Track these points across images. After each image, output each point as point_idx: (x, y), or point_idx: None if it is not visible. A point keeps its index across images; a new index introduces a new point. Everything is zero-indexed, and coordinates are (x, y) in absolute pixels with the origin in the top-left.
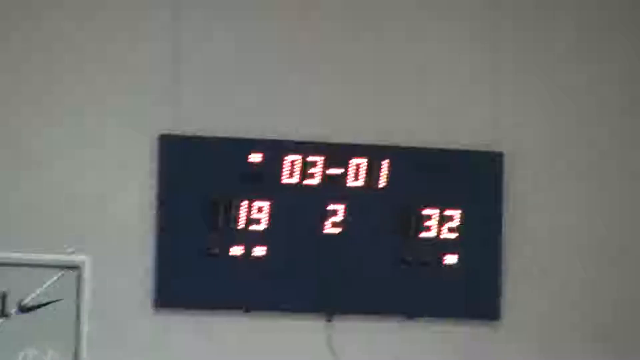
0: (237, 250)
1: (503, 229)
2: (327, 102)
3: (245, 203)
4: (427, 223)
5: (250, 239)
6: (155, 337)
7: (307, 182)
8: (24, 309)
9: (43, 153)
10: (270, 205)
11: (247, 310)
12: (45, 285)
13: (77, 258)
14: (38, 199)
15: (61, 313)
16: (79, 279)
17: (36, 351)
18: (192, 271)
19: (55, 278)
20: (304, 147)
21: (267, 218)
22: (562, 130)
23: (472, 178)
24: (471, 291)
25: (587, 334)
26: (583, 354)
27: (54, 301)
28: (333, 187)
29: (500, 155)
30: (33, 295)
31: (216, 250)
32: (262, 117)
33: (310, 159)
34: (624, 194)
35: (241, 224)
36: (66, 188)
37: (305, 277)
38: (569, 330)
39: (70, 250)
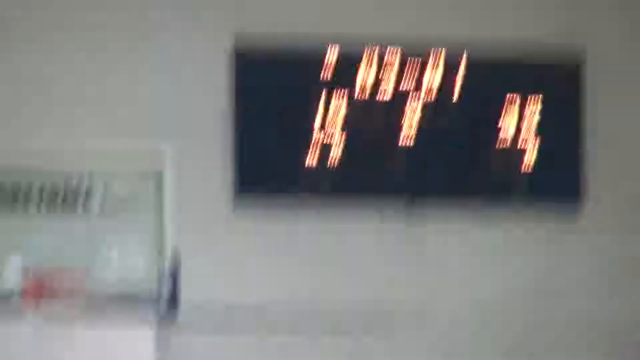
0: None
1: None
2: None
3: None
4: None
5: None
6: (235, 236)
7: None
8: (108, 203)
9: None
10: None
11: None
12: (128, 179)
13: (159, 147)
14: (125, 94)
15: (145, 208)
16: (160, 175)
17: (120, 241)
18: (271, 164)
19: (138, 174)
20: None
21: (342, 127)
22: None
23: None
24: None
25: None
26: None
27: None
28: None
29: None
30: (117, 188)
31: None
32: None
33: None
34: None
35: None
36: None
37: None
38: None
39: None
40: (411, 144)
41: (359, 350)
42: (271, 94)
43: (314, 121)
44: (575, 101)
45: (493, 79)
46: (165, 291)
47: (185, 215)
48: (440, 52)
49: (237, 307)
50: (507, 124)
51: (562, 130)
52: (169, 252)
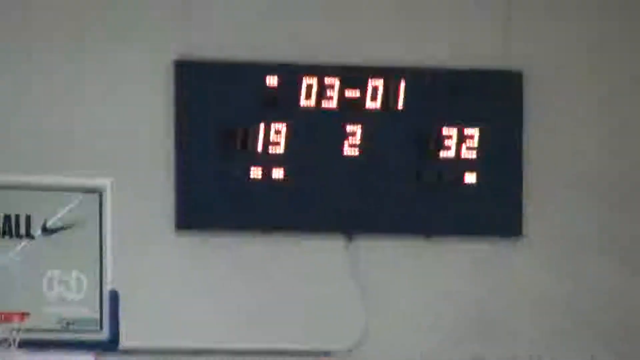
0: (256, 173)
1: (524, 145)
2: (343, 23)
3: (262, 126)
4: (447, 142)
5: (268, 161)
6: (177, 259)
7: (324, 104)
8: (48, 231)
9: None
10: (287, 128)
11: (268, 231)
12: (67, 208)
13: (99, 181)
14: (63, 127)
15: (85, 235)
16: (101, 201)
17: (61, 272)
18: (212, 194)
19: (77, 201)
20: (321, 70)
21: (285, 141)
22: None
23: (490, 97)
24: (492, 209)
25: (606, 249)
26: (605, 266)
27: (77, 224)
28: (350, 109)
29: (519, 74)
30: (56, 217)
31: (236, 173)
32: (277, 41)
33: (327, 81)
34: None
35: (259, 147)
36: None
37: (325, 198)
38: (588, 244)
39: None
40: (351, 170)
41: None
42: (213, 118)
43: (256, 146)
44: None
45: (430, 107)
46: (106, 322)
47: (127, 247)
48: (378, 81)
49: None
50: (446, 154)
51: (501, 161)
52: (109, 286)
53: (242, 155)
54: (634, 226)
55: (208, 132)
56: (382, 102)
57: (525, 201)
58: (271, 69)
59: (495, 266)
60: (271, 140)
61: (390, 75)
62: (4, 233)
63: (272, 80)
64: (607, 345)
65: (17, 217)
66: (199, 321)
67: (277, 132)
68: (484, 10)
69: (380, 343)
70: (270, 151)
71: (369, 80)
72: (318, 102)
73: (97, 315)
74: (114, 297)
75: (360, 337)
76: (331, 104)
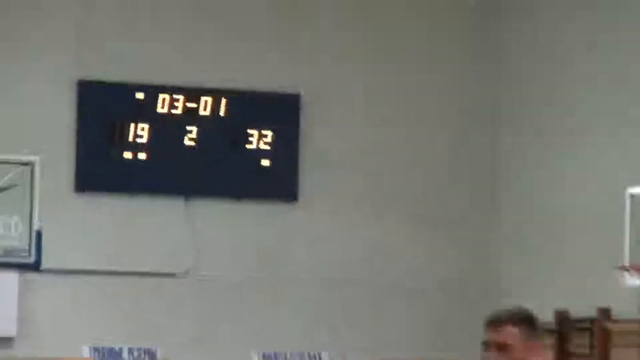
0: (128, 155)
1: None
2: (187, 54)
3: (133, 125)
4: (250, 138)
5: (137, 148)
6: (77, 212)
7: (173, 111)
8: None
9: None
10: (149, 127)
11: (135, 194)
12: (10, 175)
13: (31, 158)
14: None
15: (21, 193)
16: (32, 171)
17: (5, 217)
18: (100, 169)
19: (17, 171)
20: (170, 88)
21: (147, 135)
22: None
23: (277, 110)
24: (279, 181)
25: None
26: (373, 219)
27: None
28: (190, 115)
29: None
30: (2, 180)
31: (117, 155)
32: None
33: (175, 96)
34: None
35: (131, 138)
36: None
37: (172, 172)
38: (358, 201)
39: None
40: (190, 155)
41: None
42: (102, 117)
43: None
44: (295, 129)
45: (240, 115)
46: (32, 251)
47: (47, 203)
48: (208, 97)
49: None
50: (251, 146)
51: (286, 150)
52: (36, 227)
53: (119, 143)
54: (387, 191)
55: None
56: (211, 111)
57: (300, 177)
58: (139, 87)
59: (277, 223)
60: (138, 134)
61: (217, 93)
62: None
63: (139, 95)
64: (369, 291)
65: None
66: (95, 249)
67: (142, 129)
68: (275, 41)
69: (207, 268)
70: (138, 141)
71: (202, 96)
72: (169, 110)
73: (27, 247)
74: (39, 235)
75: (194, 263)
76: (177, 111)
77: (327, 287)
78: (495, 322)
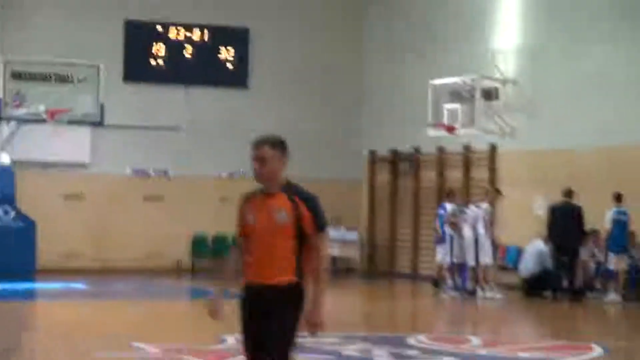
0: (153, 62)
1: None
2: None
3: (155, 45)
4: (221, 51)
5: (157, 58)
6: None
7: (178, 37)
8: None
9: None
10: (165, 47)
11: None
12: (86, 73)
13: (96, 62)
14: None
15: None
16: (98, 70)
17: None
18: (137, 68)
19: None
20: (176, 24)
21: (164, 52)
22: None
23: (236, 39)
24: (233, 74)
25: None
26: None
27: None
28: (187, 40)
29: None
30: None
31: (146, 62)
32: None
33: (178, 28)
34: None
35: (154, 52)
36: None
37: (177, 71)
38: (285, 89)
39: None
40: (187, 62)
41: None
42: (139, 40)
43: None
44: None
45: (216, 39)
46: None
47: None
48: (197, 29)
49: None
50: (222, 54)
51: (241, 58)
52: (100, 100)
53: (149, 55)
54: (301, 84)
55: (137, 47)
56: (200, 37)
57: (250, 66)
58: (158, 23)
59: (235, 103)
60: (159, 51)
61: (202, 27)
62: None
63: (159, 28)
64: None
65: None
66: (132, 114)
67: (159, 49)
68: None
69: (199, 123)
70: (158, 54)
71: (194, 28)
72: (176, 36)
73: (97, 112)
74: (102, 106)
75: (188, 123)
76: (180, 37)
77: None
78: (257, 143)
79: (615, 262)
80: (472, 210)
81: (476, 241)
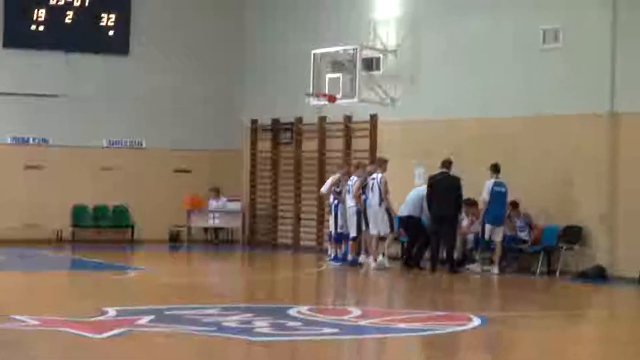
0: (34, 27)
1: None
2: None
3: (36, 10)
4: (103, 18)
5: (38, 23)
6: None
7: (59, 3)
8: None
9: None
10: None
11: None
12: None
13: None
14: None
15: None
16: None
17: None
18: (17, 34)
19: None
20: None
21: (45, 16)
22: None
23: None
24: (119, 43)
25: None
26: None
27: None
28: (68, 4)
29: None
30: None
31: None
32: None
33: None
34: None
35: (35, 17)
36: None
37: (58, 37)
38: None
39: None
40: (67, 27)
41: None
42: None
43: None
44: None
45: (96, 4)
46: None
47: None
48: None
49: None
50: (104, 21)
51: (123, 25)
52: None
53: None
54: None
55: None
56: (80, 2)
57: (131, 32)
58: None
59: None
60: (40, 16)
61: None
62: None
63: None
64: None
65: None
66: (9, 79)
67: (42, 12)
68: None
69: (79, 90)
70: (39, 19)
71: None
72: (56, 2)
73: None
74: None
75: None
76: (61, 2)
77: (145, 101)
78: None
79: (492, 234)
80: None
81: (364, 211)
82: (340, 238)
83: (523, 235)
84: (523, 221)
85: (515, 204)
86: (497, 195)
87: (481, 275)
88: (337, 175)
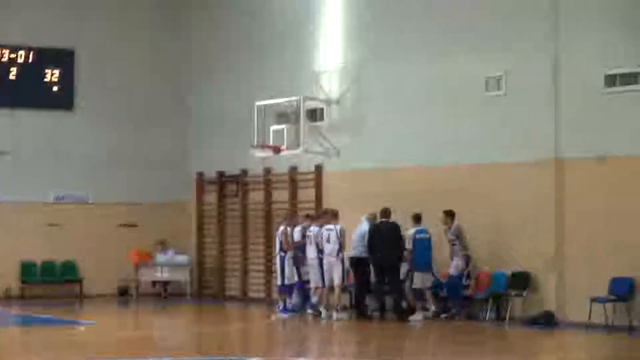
0: None
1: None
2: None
3: None
4: (47, 74)
5: None
6: None
7: (2, 60)
8: None
9: None
10: None
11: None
12: None
13: None
14: None
15: None
16: None
17: None
18: None
19: None
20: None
21: None
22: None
23: (62, 60)
24: (64, 99)
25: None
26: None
27: None
28: (12, 61)
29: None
30: None
31: None
32: None
33: (3, 51)
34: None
35: None
36: None
37: (4, 94)
38: (111, 112)
39: None
40: (12, 85)
41: None
42: None
43: None
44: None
45: (41, 60)
46: None
47: None
48: (22, 51)
49: None
50: (48, 77)
51: (68, 80)
52: None
53: None
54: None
55: None
56: (24, 58)
57: (75, 87)
58: None
59: (60, 122)
60: None
61: (28, 49)
62: None
63: None
64: (125, 166)
65: None
66: None
67: None
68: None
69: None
70: None
71: (19, 50)
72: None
73: None
74: None
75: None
76: (5, 59)
77: (90, 156)
78: None
79: (420, 280)
80: (313, 231)
81: (321, 262)
82: (287, 289)
83: (462, 280)
84: (454, 233)
85: (450, 213)
86: (420, 242)
87: (425, 323)
88: (282, 228)
